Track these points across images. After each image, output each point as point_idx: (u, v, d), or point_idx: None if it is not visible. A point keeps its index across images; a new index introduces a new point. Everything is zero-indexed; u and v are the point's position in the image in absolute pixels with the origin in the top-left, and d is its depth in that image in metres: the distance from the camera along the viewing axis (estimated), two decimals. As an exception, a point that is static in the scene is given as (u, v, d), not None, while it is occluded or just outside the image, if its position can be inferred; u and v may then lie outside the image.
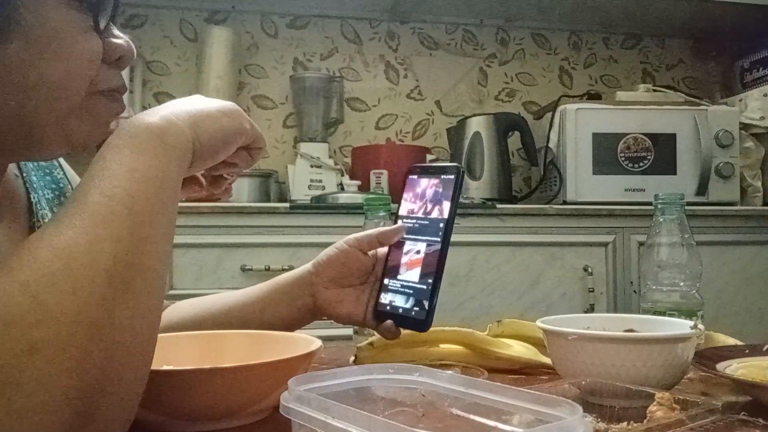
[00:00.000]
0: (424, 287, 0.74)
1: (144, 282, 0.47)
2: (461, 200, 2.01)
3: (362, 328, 0.90)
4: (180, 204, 1.69)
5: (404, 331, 0.78)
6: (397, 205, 0.82)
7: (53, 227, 0.45)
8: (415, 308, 0.74)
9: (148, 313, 0.48)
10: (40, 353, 0.40)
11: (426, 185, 0.77)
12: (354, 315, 0.80)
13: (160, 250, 0.50)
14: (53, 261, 0.43)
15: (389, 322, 0.76)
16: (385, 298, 0.78)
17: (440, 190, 0.75)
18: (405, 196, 0.80)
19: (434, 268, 0.73)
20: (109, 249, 0.45)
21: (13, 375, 0.40)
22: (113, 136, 0.52)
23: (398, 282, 0.77)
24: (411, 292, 0.75)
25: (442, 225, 0.74)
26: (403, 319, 0.76)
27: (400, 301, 0.76)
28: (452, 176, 0.74)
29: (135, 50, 0.60)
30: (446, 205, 0.74)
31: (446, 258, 0.72)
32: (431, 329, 0.82)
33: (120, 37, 0.59)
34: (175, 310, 0.86)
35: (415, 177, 0.79)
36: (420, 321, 0.74)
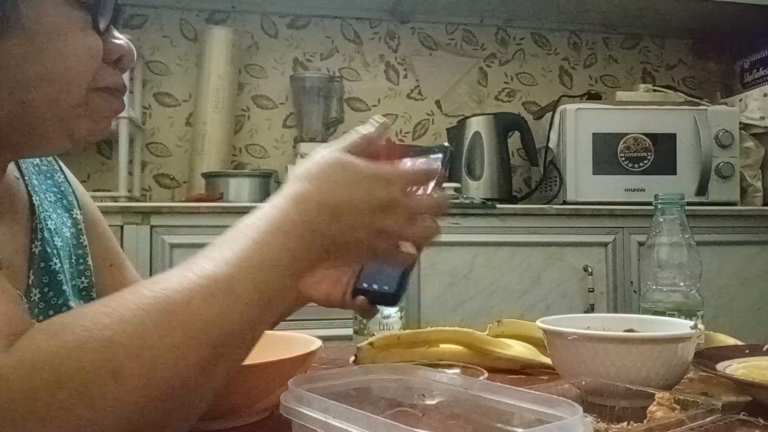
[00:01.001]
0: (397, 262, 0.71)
1: (238, 359, 0.50)
2: (462, 200, 2.02)
3: (359, 325, 0.90)
4: (180, 204, 1.70)
5: (404, 331, 0.78)
6: None
7: (189, 268, 0.48)
8: (387, 283, 0.73)
9: (223, 384, 0.50)
10: (123, 382, 0.42)
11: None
12: (333, 296, 0.79)
13: (257, 335, 0.51)
14: (176, 302, 0.45)
15: (361, 298, 0.74)
16: (363, 277, 0.77)
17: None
18: None
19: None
20: (228, 319, 0.47)
21: (90, 391, 0.42)
22: (260, 214, 0.53)
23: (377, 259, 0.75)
24: (386, 268, 0.74)
25: None
26: (376, 295, 0.74)
27: (375, 278, 0.75)
28: (440, 155, 0.72)
29: (135, 52, 0.61)
30: (431, 184, 0.72)
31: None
32: (431, 329, 0.82)
33: (120, 39, 0.59)
34: None
35: (406, 160, 0.78)
36: (389, 294, 0.72)
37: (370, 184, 0.55)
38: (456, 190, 2.11)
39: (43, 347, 0.42)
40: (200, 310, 0.46)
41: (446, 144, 0.71)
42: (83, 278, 0.73)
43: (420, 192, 0.61)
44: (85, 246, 0.75)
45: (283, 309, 0.54)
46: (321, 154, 0.57)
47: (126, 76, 0.65)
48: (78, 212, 0.75)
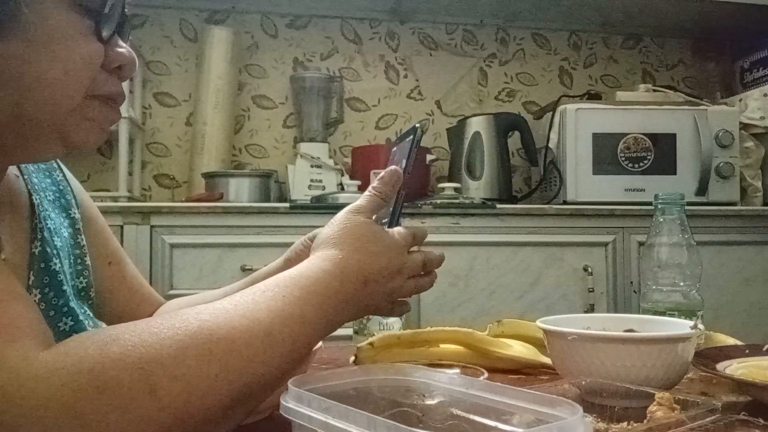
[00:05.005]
0: None
1: (259, 401, 0.52)
2: (462, 200, 2.02)
3: (359, 325, 0.91)
4: (180, 204, 1.69)
5: (404, 331, 0.78)
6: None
7: (234, 304, 0.51)
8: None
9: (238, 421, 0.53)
10: (159, 399, 0.44)
11: (397, 151, 0.75)
12: None
13: (281, 383, 0.53)
14: (219, 336, 0.48)
15: None
16: None
17: (403, 150, 0.72)
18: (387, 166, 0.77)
19: (387, 224, 0.69)
20: (262, 362, 0.49)
21: (127, 403, 0.43)
22: (296, 271, 0.57)
23: None
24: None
25: None
26: None
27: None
28: (411, 136, 0.72)
29: (137, 62, 0.61)
30: (403, 162, 0.70)
31: (400, 212, 0.69)
32: (431, 329, 0.82)
33: (123, 47, 0.59)
34: (163, 310, 0.86)
35: (395, 149, 0.77)
36: None
37: (392, 253, 0.62)
38: (456, 190, 2.11)
39: (90, 354, 0.44)
40: (240, 348, 0.48)
41: (417, 125, 0.71)
42: (81, 278, 0.73)
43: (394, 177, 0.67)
44: (83, 246, 0.75)
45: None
46: (355, 222, 0.63)
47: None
48: (76, 211, 0.75)
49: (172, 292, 1.78)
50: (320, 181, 2.20)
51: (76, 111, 0.56)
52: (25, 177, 0.70)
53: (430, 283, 0.69)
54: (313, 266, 0.58)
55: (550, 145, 2.20)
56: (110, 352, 0.44)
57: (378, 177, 0.68)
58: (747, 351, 0.75)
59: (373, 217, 0.66)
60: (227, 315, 0.50)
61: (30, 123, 0.54)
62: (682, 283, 0.90)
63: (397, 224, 0.68)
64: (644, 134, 2.14)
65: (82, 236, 0.75)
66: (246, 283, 0.82)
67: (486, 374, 0.71)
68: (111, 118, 0.60)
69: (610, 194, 2.11)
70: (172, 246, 1.82)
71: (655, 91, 2.31)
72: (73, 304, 0.68)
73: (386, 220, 0.67)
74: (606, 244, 2.03)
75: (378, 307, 0.64)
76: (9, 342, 0.44)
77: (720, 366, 0.69)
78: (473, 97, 2.60)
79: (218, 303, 0.52)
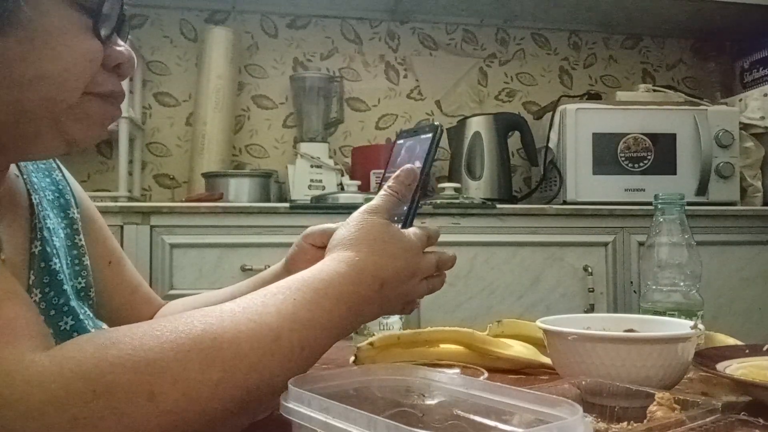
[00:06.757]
0: None
1: (267, 404, 0.51)
2: (462, 200, 2.02)
3: (362, 328, 0.91)
4: (180, 204, 1.69)
5: (404, 331, 0.78)
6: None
7: (242, 307, 0.50)
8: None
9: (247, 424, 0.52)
10: (157, 404, 0.44)
11: (407, 147, 0.73)
12: None
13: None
14: (223, 339, 0.47)
15: None
16: None
17: (418, 148, 0.70)
18: (390, 161, 0.75)
19: (401, 223, 0.67)
20: (268, 367, 0.49)
21: (124, 407, 0.43)
22: (310, 273, 0.56)
23: None
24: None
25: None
26: None
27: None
28: (430, 134, 0.71)
29: (135, 60, 0.61)
30: (421, 160, 0.69)
31: (415, 212, 0.68)
32: (431, 329, 0.82)
33: (121, 46, 0.59)
34: (166, 311, 0.86)
35: (400, 142, 0.75)
36: None
37: (408, 255, 0.62)
38: (456, 190, 2.11)
39: (87, 358, 0.44)
40: (245, 352, 0.47)
41: (437, 123, 0.70)
42: (80, 279, 0.73)
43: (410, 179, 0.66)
44: (81, 246, 0.74)
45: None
46: (371, 222, 0.61)
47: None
48: (75, 211, 0.75)
49: (172, 292, 1.78)
50: (320, 181, 2.20)
51: (75, 107, 0.56)
52: (25, 177, 0.70)
53: (441, 284, 0.68)
54: (328, 268, 0.57)
55: (550, 145, 2.20)
56: (108, 356, 0.44)
57: (394, 176, 0.66)
58: (747, 351, 0.75)
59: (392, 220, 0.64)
60: (234, 318, 0.49)
61: (29, 120, 0.55)
62: (682, 283, 0.90)
63: (411, 225, 0.66)
64: (644, 134, 2.14)
65: (81, 236, 0.75)
66: (251, 283, 0.82)
67: (486, 374, 0.71)
68: (111, 114, 0.60)
69: (610, 194, 2.11)
70: (172, 246, 1.82)
71: (655, 91, 2.31)
72: (73, 303, 0.68)
73: (400, 220, 0.66)
74: (606, 244, 2.03)
75: (391, 309, 0.63)
76: (6, 343, 0.44)
77: (720, 366, 0.69)
78: (473, 97, 2.59)
79: (226, 305, 0.51)
